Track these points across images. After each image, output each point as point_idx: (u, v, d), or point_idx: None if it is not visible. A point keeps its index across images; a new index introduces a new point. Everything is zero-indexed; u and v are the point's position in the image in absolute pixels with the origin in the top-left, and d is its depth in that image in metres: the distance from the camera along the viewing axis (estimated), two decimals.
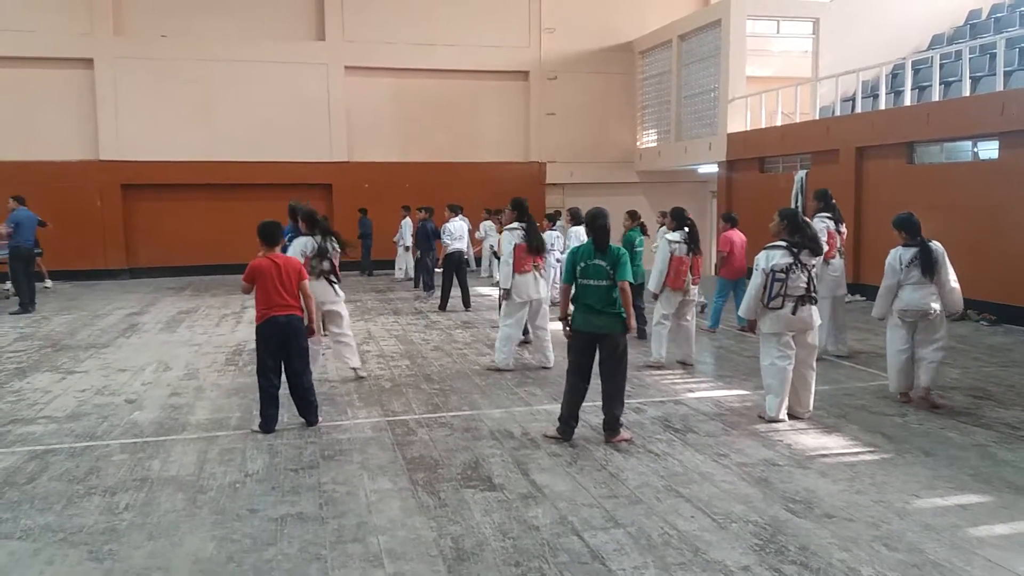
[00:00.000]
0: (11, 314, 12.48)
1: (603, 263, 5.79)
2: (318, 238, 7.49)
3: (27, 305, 12.84)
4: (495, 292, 10.15)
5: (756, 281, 6.26)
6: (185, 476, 5.19)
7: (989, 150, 11.58)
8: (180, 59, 18.88)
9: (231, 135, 19.11)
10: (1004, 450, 5.56)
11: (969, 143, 12.00)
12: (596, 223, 5.93)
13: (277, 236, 6.31)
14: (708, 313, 10.87)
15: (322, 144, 19.78)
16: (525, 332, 9.18)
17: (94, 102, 18.54)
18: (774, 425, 6.19)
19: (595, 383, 5.91)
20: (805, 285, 6.19)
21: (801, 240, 6.26)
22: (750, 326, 6.52)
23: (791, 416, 6.35)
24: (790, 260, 6.18)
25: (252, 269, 6.04)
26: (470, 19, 20.43)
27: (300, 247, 7.44)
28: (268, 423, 6.10)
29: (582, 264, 5.85)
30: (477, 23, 20.49)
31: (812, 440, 5.83)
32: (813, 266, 6.32)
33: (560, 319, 6.06)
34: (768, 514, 4.48)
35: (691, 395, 7.23)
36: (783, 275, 6.15)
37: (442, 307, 12.79)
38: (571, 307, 5.99)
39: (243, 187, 19.01)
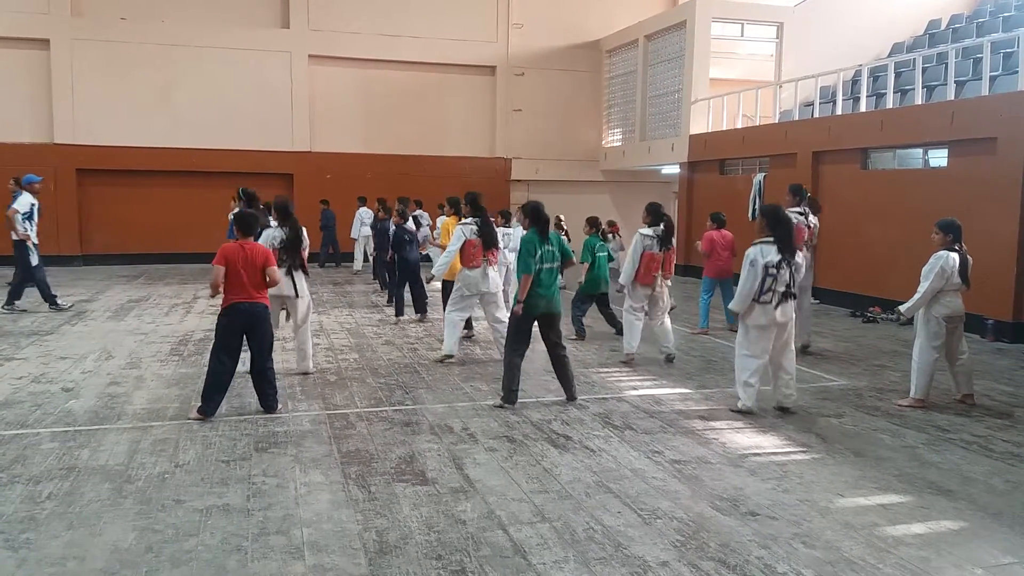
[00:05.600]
0: None
1: (553, 248, 6.63)
2: (286, 230, 7.41)
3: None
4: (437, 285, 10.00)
5: (750, 275, 6.32)
6: (114, 466, 5.11)
7: (939, 158, 11.82)
8: (140, 43, 18.56)
9: (190, 122, 18.84)
10: (931, 452, 5.68)
11: (920, 150, 12.24)
12: (542, 214, 6.65)
13: (252, 229, 6.30)
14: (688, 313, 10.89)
15: (284, 133, 19.58)
16: (468, 326, 9.40)
17: (49, 84, 18.17)
18: (711, 423, 6.27)
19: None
20: (788, 281, 6.36)
21: (783, 235, 6.40)
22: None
23: (779, 409, 6.57)
24: (780, 257, 6.33)
25: (222, 251, 6.01)
26: (438, 12, 20.33)
27: (268, 239, 7.35)
28: (210, 407, 6.08)
29: (541, 251, 6.53)
30: (445, 16, 20.41)
31: (746, 439, 5.91)
32: (799, 264, 6.49)
33: (518, 302, 6.61)
34: (694, 511, 4.54)
35: (634, 392, 7.28)
36: (775, 271, 6.30)
37: (398, 313, 11.41)
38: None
39: (202, 175, 18.77)
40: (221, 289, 6.00)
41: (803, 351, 8.77)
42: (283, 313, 7.75)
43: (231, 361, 6.10)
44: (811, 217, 8.87)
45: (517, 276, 6.86)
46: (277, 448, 5.51)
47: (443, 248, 9.34)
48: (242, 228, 6.20)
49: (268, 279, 6.16)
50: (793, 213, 8.61)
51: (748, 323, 6.46)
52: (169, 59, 18.79)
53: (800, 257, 6.63)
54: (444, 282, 9.50)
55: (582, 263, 9.94)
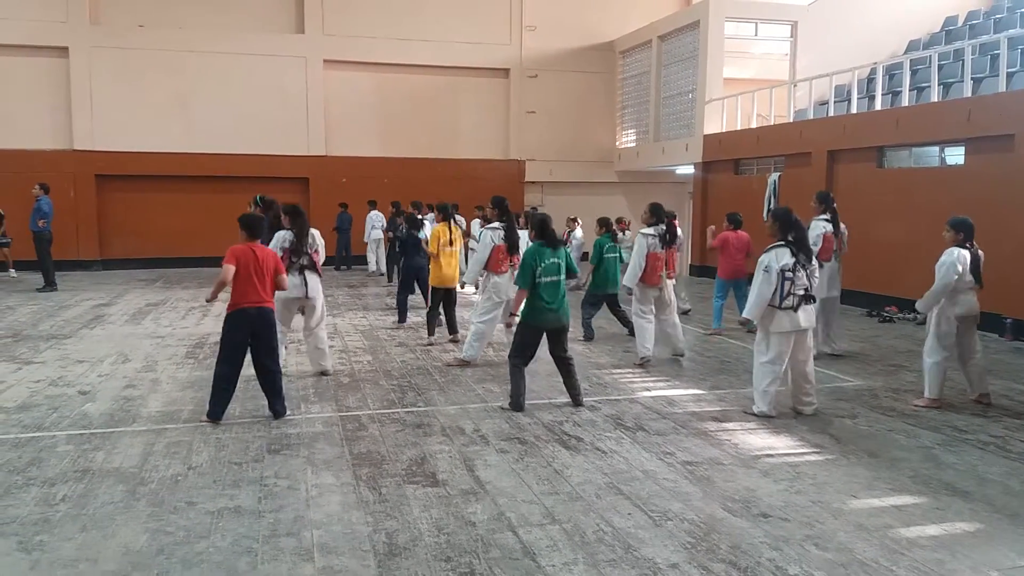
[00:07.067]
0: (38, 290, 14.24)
1: (558, 260, 6.52)
2: (296, 231, 7.45)
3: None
4: (470, 290, 10.05)
5: (764, 281, 6.24)
6: (128, 468, 5.16)
7: (955, 155, 11.69)
8: (157, 50, 18.74)
9: (208, 127, 19.00)
10: (947, 452, 5.61)
11: (936, 148, 12.11)
12: (548, 226, 6.63)
13: (260, 231, 6.28)
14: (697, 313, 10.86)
15: (299, 138, 19.69)
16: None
17: (69, 91, 18.37)
18: (724, 424, 6.24)
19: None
20: (806, 284, 6.30)
21: (795, 239, 6.35)
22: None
23: (797, 414, 6.50)
24: (794, 260, 6.28)
25: (233, 251, 5.97)
26: (451, 15, 20.38)
27: (279, 241, 7.41)
28: (217, 411, 6.10)
29: (542, 265, 6.44)
30: (458, 19, 20.45)
31: (759, 440, 5.87)
32: (813, 267, 6.42)
33: (512, 314, 6.82)
34: (705, 512, 4.51)
35: (647, 393, 7.25)
36: (791, 274, 6.24)
37: (401, 319, 11.10)
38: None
39: (219, 179, 18.90)
40: (228, 288, 5.97)
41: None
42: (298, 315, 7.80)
43: (236, 367, 6.11)
44: (842, 225, 8.78)
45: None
46: (289, 450, 5.54)
47: (431, 254, 9.37)
48: (249, 230, 6.15)
49: (278, 284, 6.20)
50: (821, 221, 8.54)
51: (770, 329, 6.35)
52: (186, 65, 18.96)
53: (815, 261, 6.56)
54: (433, 288, 9.56)
55: (592, 263, 9.95)
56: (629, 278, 8.56)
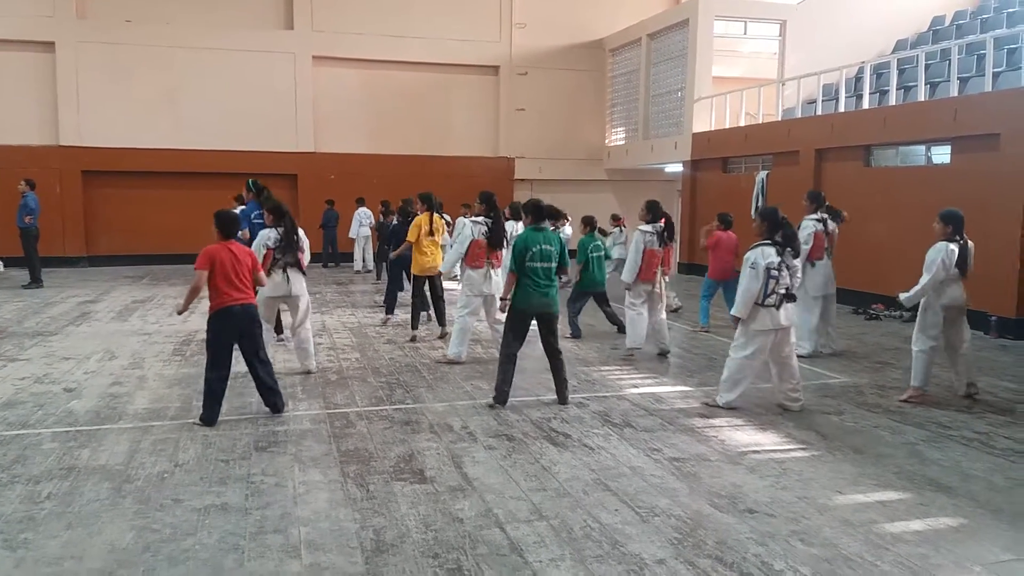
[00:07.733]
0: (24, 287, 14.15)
1: (550, 247, 6.53)
2: (281, 230, 7.44)
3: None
4: (454, 285, 10.06)
5: (751, 278, 6.28)
6: (114, 466, 5.13)
7: (942, 154, 11.77)
8: (144, 45, 18.62)
9: (195, 123, 18.90)
10: (932, 449, 5.66)
11: (923, 147, 12.19)
12: (543, 211, 6.64)
13: (235, 230, 6.22)
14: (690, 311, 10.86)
15: (288, 134, 19.62)
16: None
17: (55, 86, 18.24)
18: (711, 421, 6.27)
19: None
20: (788, 283, 6.35)
21: (782, 239, 6.38)
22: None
23: (783, 410, 6.55)
24: (779, 258, 6.31)
25: (207, 254, 5.88)
26: (441, 12, 20.34)
27: (263, 239, 7.39)
28: (211, 416, 6.02)
29: (533, 250, 6.43)
30: (448, 16, 20.41)
31: (746, 436, 5.90)
32: (795, 267, 6.44)
33: (502, 299, 6.81)
34: (692, 508, 4.53)
35: (634, 390, 7.27)
36: (776, 272, 6.28)
37: (388, 311, 11.06)
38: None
39: (206, 176, 18.78)
40: (203, 293, 5.88)
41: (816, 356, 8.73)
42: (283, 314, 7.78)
43: (227, 368, 6.06)
44: (830, 224, 8.84)
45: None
46: (277, 447, 5.53)
47: (410, 243, 9.39)
48: (225, 229, 6.06)
49: (257, 281, 6.18)
50: (811, 220, 8.61)
51: (751, 328, 6.40)
52: (174, 61, 18.85)
53: (799, 260, 6.60)
54: (415, 277, 9.62)
55: (577, 263, 9.94)
56: (627, 274, 8.59)
